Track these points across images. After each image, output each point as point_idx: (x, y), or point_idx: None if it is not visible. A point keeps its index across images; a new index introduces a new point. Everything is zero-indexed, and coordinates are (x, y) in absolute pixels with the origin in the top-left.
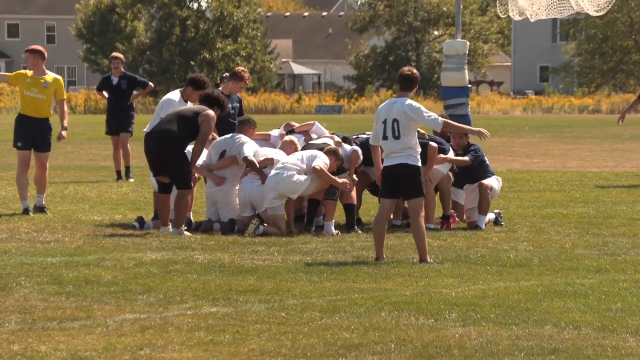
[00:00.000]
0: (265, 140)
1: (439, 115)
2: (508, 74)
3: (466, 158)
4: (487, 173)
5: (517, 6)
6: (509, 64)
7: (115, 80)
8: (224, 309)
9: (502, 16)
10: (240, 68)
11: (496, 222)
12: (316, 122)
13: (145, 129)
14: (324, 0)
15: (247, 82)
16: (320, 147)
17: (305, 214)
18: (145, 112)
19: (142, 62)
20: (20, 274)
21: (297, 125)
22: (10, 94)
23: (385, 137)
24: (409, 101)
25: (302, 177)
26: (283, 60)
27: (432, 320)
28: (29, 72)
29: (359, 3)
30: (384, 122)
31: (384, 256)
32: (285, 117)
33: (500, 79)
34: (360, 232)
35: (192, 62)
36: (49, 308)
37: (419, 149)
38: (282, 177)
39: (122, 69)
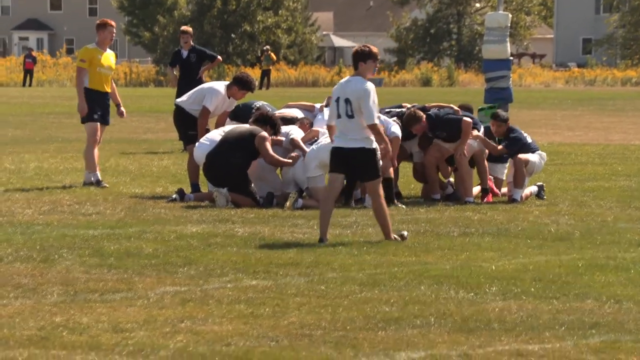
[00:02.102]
0: (309, 111)
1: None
2: (550, 47)
3: (499, 147)
4: (528, 151)
5: None
6: (552, 36)
7: (185, 53)
8: (264, 282)
9: None
10: (247, 75)
11: (539, 195)
12: None
13: (177, 100)
14: None
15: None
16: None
17: (345, 188)
18: None
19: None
20: (63, 246)
21: None
22: (52, 66)
23: (338, 116)
24: (363, 81)
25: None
26: (324, 32)
27: (472, 294)
28: (98, 48)
29: None
30: (337, 101)
31: (327, 237)
32: (325, 90)
33: (542, 51)
34: (400, 205)
35: (233, 35)
36: (90, 280)
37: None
38: (323, 145)
39: (192, 42)
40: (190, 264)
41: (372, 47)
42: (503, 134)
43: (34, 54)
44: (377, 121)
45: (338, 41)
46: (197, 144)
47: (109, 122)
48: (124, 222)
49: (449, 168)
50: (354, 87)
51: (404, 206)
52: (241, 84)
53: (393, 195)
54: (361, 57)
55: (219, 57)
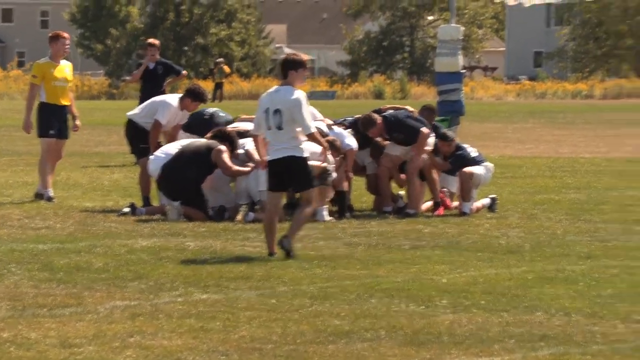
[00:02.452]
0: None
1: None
2: (502, 60)
3: (446, 164)
4: (472, 164)
5: None
6: (503, 49)
7: (151, 65)
8: (215, 296)
9: (496, 1)
10: (199, 87)
11: (491, 208)
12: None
13: (129, 113)
14: None
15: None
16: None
17: (297, 201)
18: None
19: (136, 48)
20: (11, 261)
21: None
22: (3, 79)
23: (268, 128)
24: (294, 91)
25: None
26: (277, 45)
27: (423, 307)
28: (50, 62)
29: None
30: (266, 112)
31: (275, 250)
32: None
33: (494, 64)
34: (351, 218)
35: (185, 48)
36: (39, 295)
37: (304, 139)
38: None
39: (157, 56)
40: (141, 278)
41: (301, 55)
42: (452, 152)
43: None
44: (313, 130)
45: None
46: (152, 156)
47: (67, 136)
48: (74, 237)
49: (402, 176)
50: (284, 97)
51: (354, 220)
52: (194, 96)
53: (346, 208)
54: (292, 66)
55: (184, 72)
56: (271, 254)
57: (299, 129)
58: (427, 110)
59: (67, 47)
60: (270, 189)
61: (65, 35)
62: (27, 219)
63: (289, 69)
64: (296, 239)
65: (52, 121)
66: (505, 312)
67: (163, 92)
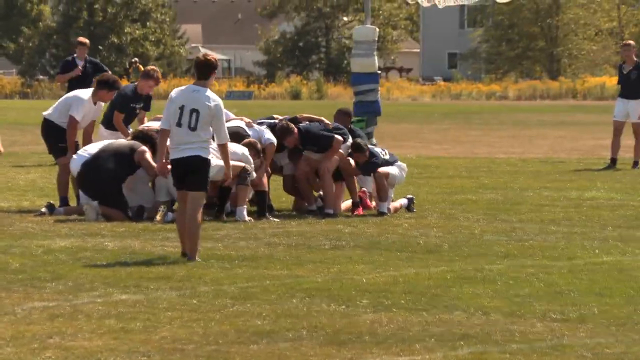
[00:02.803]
0: None
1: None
2: (417, 61)
3: (357, 171)
4: (387, 165)
5: None
6: (418, 50)
7: (80, 63)
8: (135, 297)
9: (410, 2)
10: (151, 67)
11: (408, 208)
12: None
13: (45, 113)
14: None
15: (158, 80)
16: (235, 132)
17: (217, 201)
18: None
19: (49, 47)
20: None
21: None
22: None
23: (179, 125)
24: (214, 96)
25: (219, 162)
26: (192, 45)
27: (344, 307)
28: None
29: None
30: (181, 109)
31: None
32: None
33: (409, 65)
34: (271, 218)
35: (100, 47)
36: None
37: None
38: None
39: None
40: (59, 278)
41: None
42: (366, 161)
43: None
44: (227, 141)
45: None
46: (75, 155)
47: None
48: None
49: (318, 180)
50: (205, 101)
51: (276, 219)
52: (108, 85)
53: (266, 208)
54: (212, 68)
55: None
56: (184, 254)
57: (208, 134)
58: (342, 114)
59: None
60: (176, 187)
61: None
62: None
63: (210, 70)
64: (216, 239)
65: None
66: (425, 311)
67: None
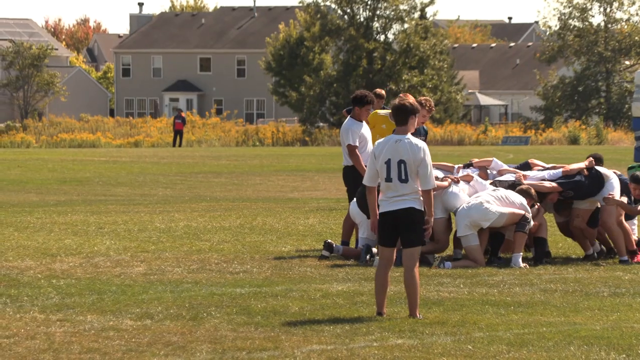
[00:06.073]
0: (448, 171)
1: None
2: None
3: (639, 207)
4: None
5: None
6: None
7: None
8: (410, 341)
9: None
10: (423, 97)
11: None
12: (494, 159)
13: (344, 163)
14: (512, 31)
15: (430, 110)
16: (511, 185)
17: (490, 248)
18: None
19: (329, 95)
20: (211, 305)
21: (476, 160)
22: (201, 127)
23: (388, 179)
24: (418, 142)
25: (495, 207)
26: (469, 91)
27: (624, 356)
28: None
29: (547, 33)
30: (387, 163)
31: (384, 310)
32: (471, 148)
33: None
34: (548, 265)
35: None
36: (238, 338)
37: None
38: (474, 204)
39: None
40: (336, 322)
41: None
42: None
43: (183, 114)
44: (434, 185)
45: (484, 99)
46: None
47: None
48: (271, 281)
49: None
50: (409, 148)
51: (552, 266)
52: (359, 102)
53: (543, 254)
54: (412, 112)
55: None
56: (380, 313)
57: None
58: (594, 159)
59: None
60: (382, 244)
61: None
62: (225, 263)
63: (410, 114)
64: (490, 284)
65: None
66: None
67: None
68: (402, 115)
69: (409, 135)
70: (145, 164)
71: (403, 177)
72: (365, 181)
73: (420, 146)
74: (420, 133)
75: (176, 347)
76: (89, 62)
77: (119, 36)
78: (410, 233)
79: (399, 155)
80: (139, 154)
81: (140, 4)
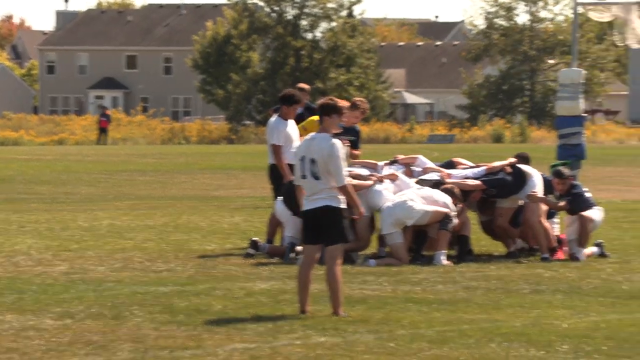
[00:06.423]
0: (372, 168)
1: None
2: (624, 103)
3: (562, 203)
4: (588, 206)
5: (635, 34)
6: (626, 92)
7: (300, 110)
8: (333, 339)
9: (619, 45)
10: (357, 98)
11: (602, 254)
12: (420, 156)
13: (271, 161)
14: (439, 30)
15: (364, 112)
16: (436, 184)
17: (414, 246)
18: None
19: (256, 92)
20: (133, 303)
21: (401, 157)
22: (127, 125)
23: (303, 177)
24: (328, 140)
25: (423, 207)
26: (396, 89)
27: (543, 352)
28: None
29: (473, 32)
30: (302, 160)
31: (307, 308)
32: (396, 146)
33: (616, 107)
34: (471, 262)
35: None
36: (160, 337)
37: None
38: (399, 203)
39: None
40: (259, 320)
41: (338, 100)
42: (566, 191)
43: (108, 112)
44: (346, 182)
45: (410, 98)
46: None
47: None
48: (194, 279)
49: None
50: (319, 145)
51: (475, 263)
52: (287, 101)
53: (465, 252)
54: (328, 111)
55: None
56: (302, 311)
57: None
58: (520, 159)
59: None
60: (306, 242)
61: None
62: (149, 262)
63: (323, 114)
64: (414, 282)
65: None
66: (627, 358)
67: None
68: (320, 114)
69: (326, 134)
70: (69, 162)
71: (315, 174)
72: (295, 180)
73: (330, 143)
74: (352, 133)
75: (97, 347)
76: (12, 59)
77: (44, 33)
78: (329, 231)
79: (311, 153)
80: (63, 152)
81: (66, 1)
